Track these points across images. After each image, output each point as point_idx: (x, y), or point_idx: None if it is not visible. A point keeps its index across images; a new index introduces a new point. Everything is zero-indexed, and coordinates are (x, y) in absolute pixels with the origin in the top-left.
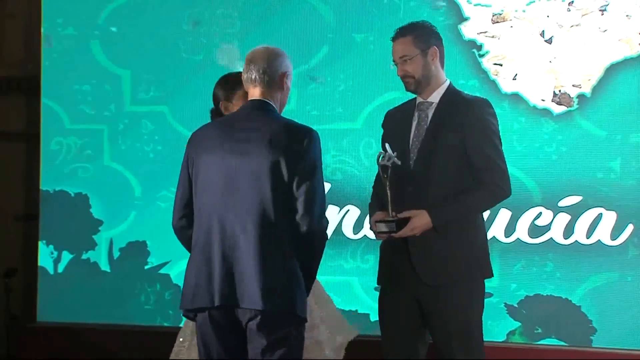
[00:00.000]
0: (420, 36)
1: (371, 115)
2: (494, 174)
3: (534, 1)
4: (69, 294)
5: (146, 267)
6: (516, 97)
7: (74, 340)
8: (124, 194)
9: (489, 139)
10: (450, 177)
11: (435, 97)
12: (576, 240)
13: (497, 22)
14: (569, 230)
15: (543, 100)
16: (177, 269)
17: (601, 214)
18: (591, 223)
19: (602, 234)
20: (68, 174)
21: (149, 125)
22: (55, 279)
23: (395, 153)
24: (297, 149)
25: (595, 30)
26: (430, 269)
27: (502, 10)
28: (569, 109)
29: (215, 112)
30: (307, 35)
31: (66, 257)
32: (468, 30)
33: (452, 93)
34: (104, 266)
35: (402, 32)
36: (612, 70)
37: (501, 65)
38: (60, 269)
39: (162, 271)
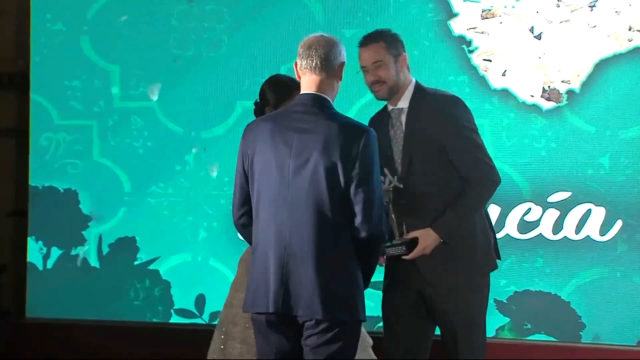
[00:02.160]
0: (391, 42)
1: (360, 111)
2: (481, 168)
3: None
4: (58, 290)
5: (135, 263)
6: (505, 93)
7: (63, 335)
8: (113, 190)
9: (468, 137)
10: (436, 181)
11: (404, 102)
12: (565, 236)
13: (487, 18)
14: (558, 226)
15: (532, 96)
16: (167, 265)
17: (590, 209)
18: (580, 219)
19: (591, 229)
20: (57, 169)
21: (139, 121)
22: (45, 275)
23: (395, 177)
24: (354, 152)
25: (584, 26)
26: (433, 268)
27: (491, 6)
28: (558, 104)
29: (260, 111)
30: (297, 31)
31: (55, 253)
32: (457, 26)
33: (420, 95)
34: (93, 262)
35: (373, 38)
36: (601, 66)
37: (490, 61)
38: (49, 265)
39: (151, 267)
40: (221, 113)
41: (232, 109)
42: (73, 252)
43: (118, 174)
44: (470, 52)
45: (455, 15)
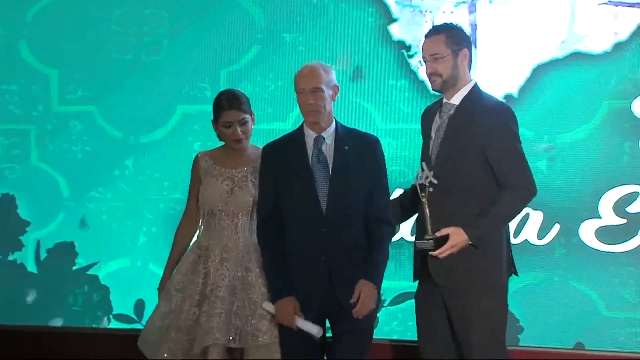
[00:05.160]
0: (453, 37)
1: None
2: (519, 177)
3: (462, 2)
4: None
5: (74, 268)
6: None
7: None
8: (51, 195)
9: (511, 144)
10: (468, 183)
11: (457, 99)
12: None
13: (426, 22)
14: None
15: None
16: (105, 270)
17: (528, 214)
18: (518, 223)
19: (529, 233)
20: None
21: (78, 126)
22: None
23: (432, 172)
24: None
25: (522, 31)
26: (442, 272)
27: (430, 11)
28: None
29: None
30: (237, 36)
31: None
32: (397, 31)
33: (474, 96)
34: (31, 267)
35: (435, 30)
36: (539, 71)
37: None
38: None
39: (90, 272)
40: (161, 117)
41: (172, 113)
42: (10, 258)
43: (56, 178)
44: (410, 56)
45: (394, 20)
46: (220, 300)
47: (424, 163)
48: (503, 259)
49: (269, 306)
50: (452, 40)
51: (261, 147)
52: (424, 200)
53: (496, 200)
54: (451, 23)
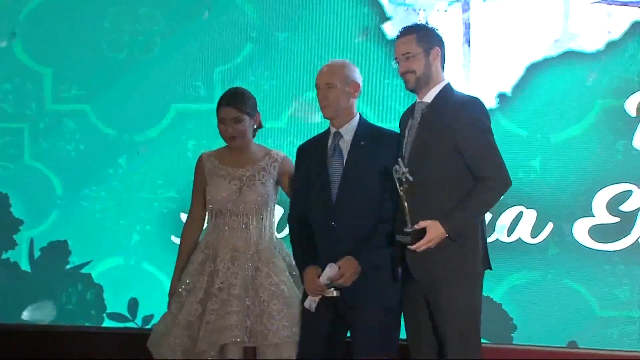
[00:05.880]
0: (423, 36)
1: (296, 115)
2: (492, 169)
3: (456, 1)
4: None
5: (67, 266)
6: None
7: None
8: (45, 193)
9: (482, 137)
10: (444, 179)
11: (429, 97)
12: (497, 239)
13: (420, 21)
14: (490, 229)
15: None
16: (99, 268)
17: (522, 212)
18: (512, 221)
19: (523, 232)
20: None
21: (71, 124)
22: None
23: (407, 168)
24: None
25: (516, 29)
26: (420, 266)
27: (424, 10)
28: (490, 108)
29: None
30: (230, 34)
31: None
32: (390, 30)
33: (445, 93)
34: (25, 266)
35: (405, 31)
36: (533, 69)
37: None
38: None
39: (83, 271)
40: (154, 115)
41: (166, 111)
42: (4, 256)
43: (50, 177)
44: None
45: (388, 19)
46: (237, 298)
47: (400, 159)
48: (478, 252)
49: (307, 302)
50: (422, 39)
51: (265, 145)
52: (402, 194)
53: (471, 193)
54: (422, 23)
